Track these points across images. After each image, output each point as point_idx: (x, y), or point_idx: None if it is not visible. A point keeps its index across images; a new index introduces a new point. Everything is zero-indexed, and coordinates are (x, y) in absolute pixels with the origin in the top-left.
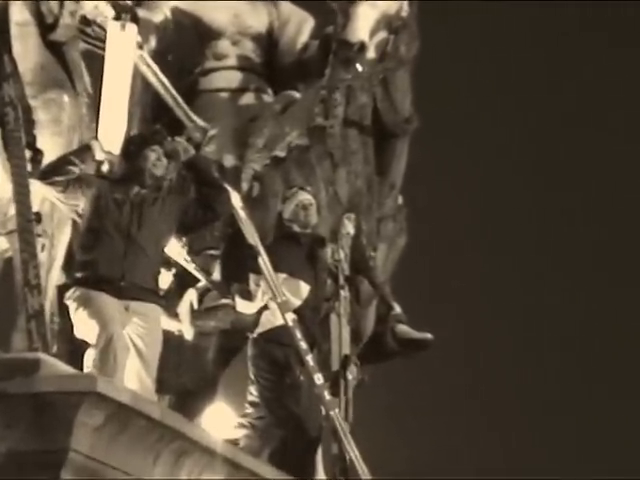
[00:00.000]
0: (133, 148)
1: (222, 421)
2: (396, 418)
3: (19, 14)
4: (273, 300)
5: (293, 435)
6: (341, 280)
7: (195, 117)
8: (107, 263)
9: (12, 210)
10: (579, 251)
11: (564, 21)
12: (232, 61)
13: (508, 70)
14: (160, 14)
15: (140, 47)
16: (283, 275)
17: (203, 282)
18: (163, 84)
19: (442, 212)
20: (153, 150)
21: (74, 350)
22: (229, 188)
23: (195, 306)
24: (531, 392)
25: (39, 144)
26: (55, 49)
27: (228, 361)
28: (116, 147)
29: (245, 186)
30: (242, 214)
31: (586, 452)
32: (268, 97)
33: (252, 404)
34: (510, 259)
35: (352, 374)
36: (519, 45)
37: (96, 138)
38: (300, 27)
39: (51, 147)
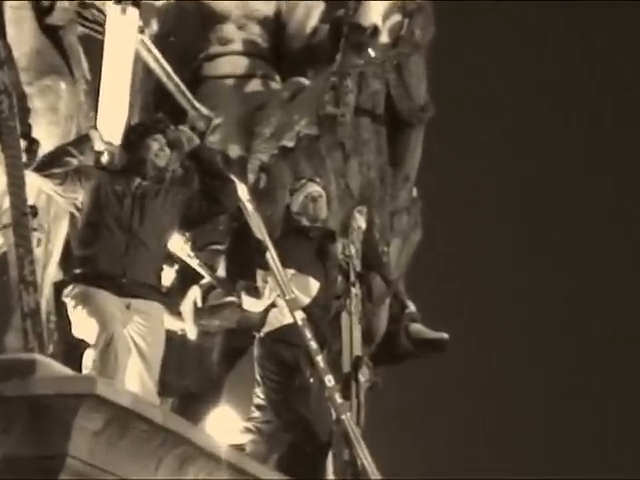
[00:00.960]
0: (134, 138)
1: (227, 425)
2: (410, 422)
3: None
4: (281, 297)
5: (302, 440)
6: (352, 277)
7: (199, 105)
8: (107, 259)
9: (6, 203)
10: (598, 248)
11: (587, 9)
12: (238, 46)
13: (526, 56)
14: None
15: (141, 31)
16: (291, 271)
17: (207, 279)
18: (165, 70)
19: (458, 205)
20: (155, 140)
21: (72, 350)
22: (235, 180)
23: (199, 304)
24: (549, 394)
25: (35, 134)
26: (52, 33)
27: (234, 362)
28: (116, 137)
29: (251, 178)
30: (249, 207)
31: (604, 453)
32: (276, 84)
33: (259, 407)
34: (530, 255)
35: (364, 376)
36: (541, 30)
37: (95, 127)
38: (309, 10)
39: (47, 137)
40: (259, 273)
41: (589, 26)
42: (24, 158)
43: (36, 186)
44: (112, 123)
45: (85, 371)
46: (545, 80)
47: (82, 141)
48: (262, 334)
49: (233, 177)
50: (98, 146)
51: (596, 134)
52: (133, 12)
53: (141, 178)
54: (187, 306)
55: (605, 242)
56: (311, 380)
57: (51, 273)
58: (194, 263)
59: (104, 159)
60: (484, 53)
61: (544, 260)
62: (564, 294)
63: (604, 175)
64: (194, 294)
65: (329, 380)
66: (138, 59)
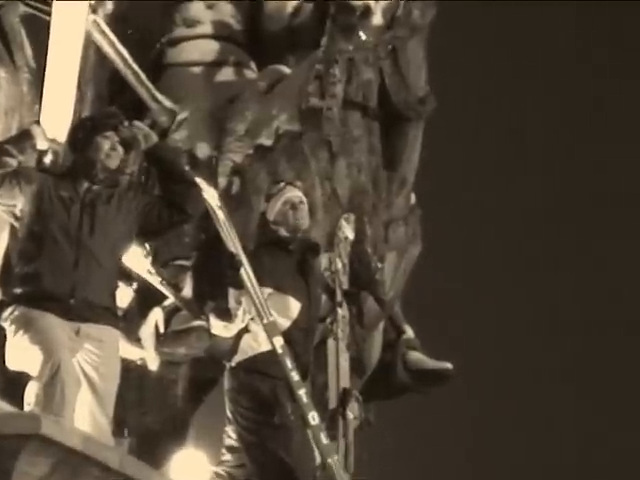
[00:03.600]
0: (82, 135)
1: (194, 470)
2: (406, 465)
3: None
4: (256, 321)
5: None
6: (339, 296)
7: (161, 97)
8: (52, 276)
9: None
10: (618, 265)
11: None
12: (206, 28)
13: (539, 42)
14: None
15: (94, 11)
16: (268, 290)
17: (171, 299)
18: (122, 56)
19: (462, 214)
20: (106, 137)
21: (12, 383)
22: (202, 183)
23: (161, 329)
24: (561, 430)
25: None
26: None
27: (201, 396)
28: (62, 133)
29: (223, 181)
30: (220, 215)
31: None
32: (251, 72)
33: (230, 449)
34: (546, 271)
35: (353, 412)
36: (556, 15)
37: (38, 122)
38: None
39: None
40: (231, 293)
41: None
42: None
43: None
44: (57, 118)
45: (27, 407)
46: (561, 69)
47: (22, 138)
48: (234, 364)
49: (200, 181)
50: (41, 144)
51: (611, 140)
52: None
53: (90, 182)
54: (147, 331)
55: (626, 261)
56: (292, 417)
57: None
58: (155, 281)
59: (47, 159)
60: (492, 37)
61: (560, 277)
62: (583, 316)
63: (621, 186)
64: (155, 317)
65: (313, 417)
66: (90, 43)
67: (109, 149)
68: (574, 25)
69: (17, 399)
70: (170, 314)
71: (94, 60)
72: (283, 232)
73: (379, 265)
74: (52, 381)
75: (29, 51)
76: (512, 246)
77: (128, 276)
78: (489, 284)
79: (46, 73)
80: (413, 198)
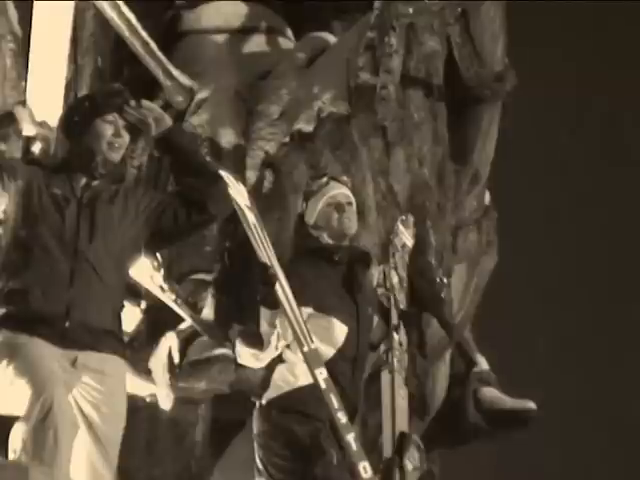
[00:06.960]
0: (79, 118)
1: None
2: None
3: None
4: (294, 348)
5: None
6: (394, 318)
7: (176, 72)
8: (43, 293)
9: None
10: None
11: None
12: None
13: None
14: None
15: None
16: (308, 310)
17: (188, 322)
18: (129, 22)
19: (546, 217)
20: (109, 121)
21: None
22: (228, 178)
23: (176, 359)
24: None
25: None
26: None
27: (225, 442)
28: (54, 116)
29: (252, 176)
30: (249, 217)
31: None
32: (287, 41)
33: None
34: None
35: (413, 462)
36: None
37: (24, 103)
38: None
39: None
40: (263, 313)
41: None
42: None
43: None
44: (48, 97)
45: (12, 455)
46: None
47: (4, 122)
48: (265, 401)
49: (225, 174)
50: (27, 130)
51: None
52: None
53: (89, 176)
54: (159, 362)
55: None
56: (337, 468)
57: None
58: (169, 299)
59: (36, 148)
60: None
61: None
62: None
63: None
64: (169, 344)
65: (364, 469)
66: (89, 6)
67: (112, 136)
68: None
69: (1, 445)
70: (187, 340)
71: (94, 27)
72: (326, 239)
73: (445, 280)
74: (43, 423)
75: (14, 15)
76: (606, 257)
77: (136, 293)
78: (580, 305)
79: (31, 42)
80: (488, 198)
